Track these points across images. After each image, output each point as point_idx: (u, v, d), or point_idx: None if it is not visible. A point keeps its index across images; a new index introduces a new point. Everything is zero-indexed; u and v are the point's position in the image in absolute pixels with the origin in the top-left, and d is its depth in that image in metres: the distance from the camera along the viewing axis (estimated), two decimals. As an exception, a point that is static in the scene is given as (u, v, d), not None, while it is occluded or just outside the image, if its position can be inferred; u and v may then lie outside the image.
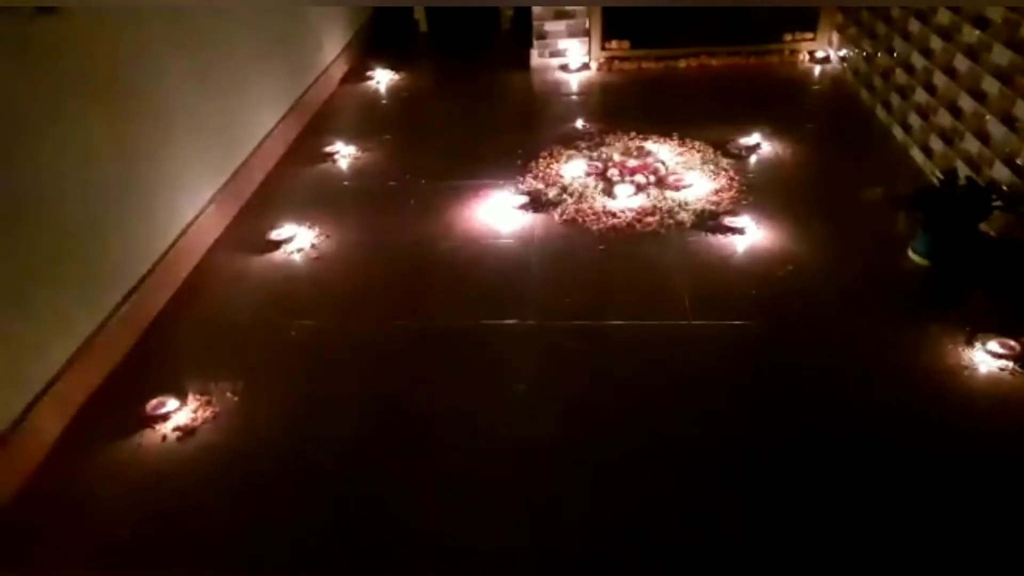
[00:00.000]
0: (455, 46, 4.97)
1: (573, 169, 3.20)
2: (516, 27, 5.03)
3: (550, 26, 4.29)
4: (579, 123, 3.62)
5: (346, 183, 3.26)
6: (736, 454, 1.85)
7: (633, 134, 3.47)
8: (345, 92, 4.23)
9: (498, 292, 2.48)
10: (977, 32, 2.61)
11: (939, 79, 2.89)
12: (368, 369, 2.20)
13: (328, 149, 3.49)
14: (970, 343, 2.09)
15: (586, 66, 4.35)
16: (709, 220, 2.78)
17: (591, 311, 2.36)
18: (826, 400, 1.99)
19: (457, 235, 2.81)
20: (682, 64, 4.27)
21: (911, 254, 2.46)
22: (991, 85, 2.52)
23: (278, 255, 2.72)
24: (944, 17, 2.87)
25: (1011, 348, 2.03)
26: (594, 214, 2.87)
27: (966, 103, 2.69)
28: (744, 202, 2.88)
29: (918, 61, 3.08)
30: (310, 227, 2.87)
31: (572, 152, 3.36)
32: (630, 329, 2.27)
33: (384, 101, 4.16)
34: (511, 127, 3.69)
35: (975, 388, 1.97)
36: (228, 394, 2.09)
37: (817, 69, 4.17)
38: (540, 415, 2.00)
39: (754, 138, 3.32)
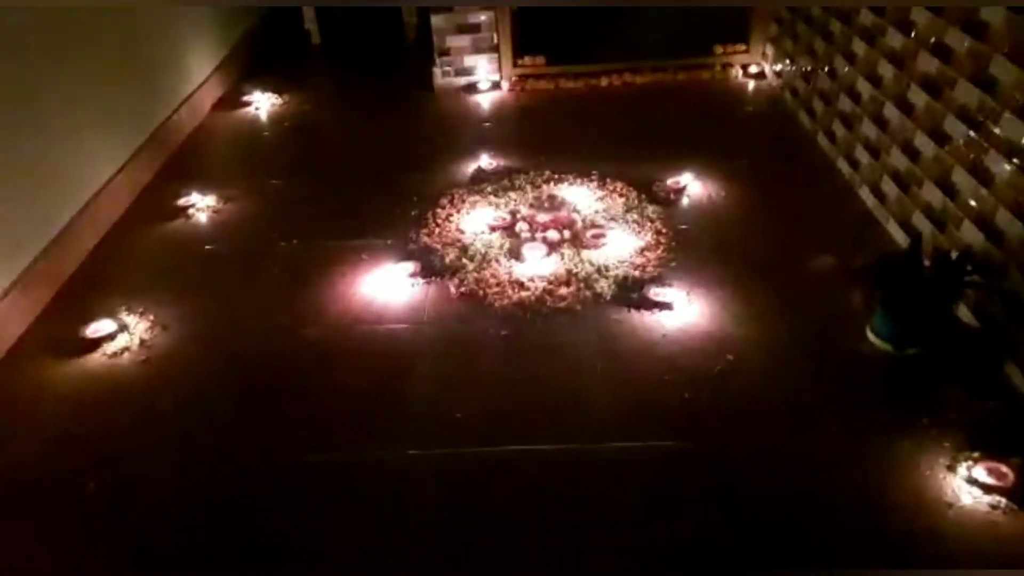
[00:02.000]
0: (351, 61, 4.39)
1: (476, 222, 2.70)
2: (423, 37, 4.48)
3: (453, 41, 3.76)
4: (485, 160, 3.12)
5: (203, 247, 2.67)
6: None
7: (547, 172, 2.99)
8: (216, 123, 3.62)
9: (375, 404, 1.97)
10: (937, 62, 2.22)
11: (891, 112, 2.49)
12: (201, 529, 1.66)
13: (183, 201, 2.90)
14: (952, 467, 1.69)
15: (497, 86, 3.84)
16: (632, 291, 2.32)
17: (491, 431, 1.86)
18: (784, 552, 1.55)
19: (330, 319, 2.27)
20: (604, 82, 3.80)
21: (870, 335, 2.05)
22: (954, 127, 2.13)
23: (94, 360, 2.14)
24: (895, 41, 2.47)
25: (1002, 476, 1.63)
26: (498, 285, 2.38)
27: (924, 144, 2.29)
28: (672, 264, 2.43)
29: (864, 88, 2.68)
30: (142, 315, 2.30)
31: (476, 198, 2.85)
32: (537, 458, 1.79)
33: (264, 133, 3.57)
34: (408, 165, 3.16)
35: (961, 534, 1.56)
36: (-15, 595, 1.53)
37: (751, 85, 3.76)
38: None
39: (683, 178, 2.88)
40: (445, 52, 3.80)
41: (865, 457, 1.74)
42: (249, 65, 4.18)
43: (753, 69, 3.80)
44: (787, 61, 3.50)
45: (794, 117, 3.34)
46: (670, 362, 2.05)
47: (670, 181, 2.87)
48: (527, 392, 1.98)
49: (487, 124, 3.54)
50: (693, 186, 2.86)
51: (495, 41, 3.76)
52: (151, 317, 2.29)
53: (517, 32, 3.77)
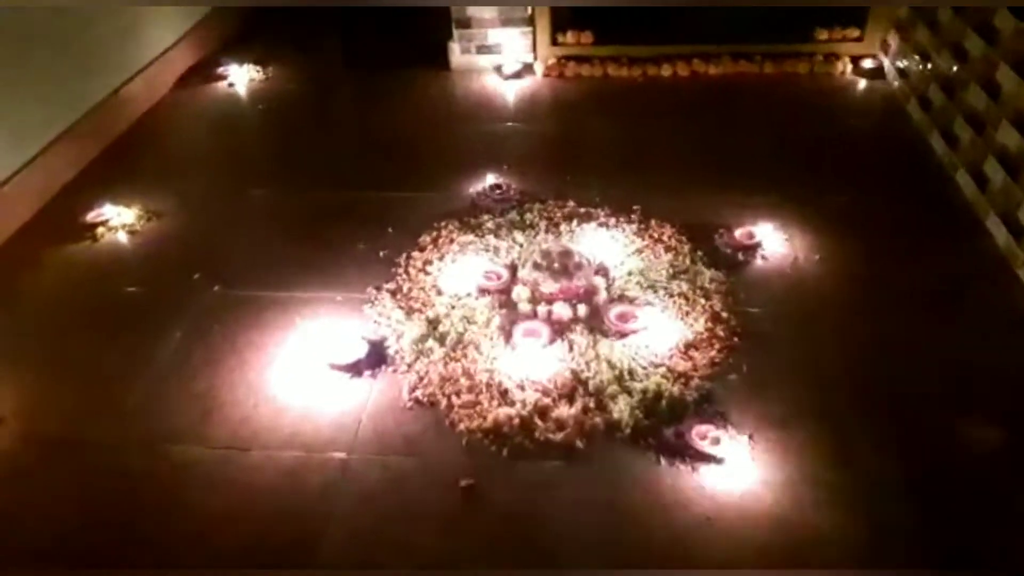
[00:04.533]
0: (359, 21, 3.59)
1: (459, 277, 1.96)
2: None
3: (475, 10, 2.95)
4: (493, 178, 2.35)
5: (93, 289, 2.00)
6: None
7: (571, 204, 2.21)
8: (177, 103, 2.93)
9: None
10: None
11: (1096, 168, 1.61)
12: None
13: (93, 215, 2.24)
14: None
15: (529, 69, 3.03)
16: (665, 422, 1.55)
17: None
18: None
19: (221, 430, 1.59)
20: (666, 71, 2.94)
21: (1052, 566, 1.24)
22: None
23: None
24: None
25: None
26: (471, 390, 1.64)
27: None
28: (732, 376, 1.64)
29: (1049, 120, 1.79)
30: (-22, 400, 1.67)
31: (470, 239, 2.10)
32: None
33: (231, 119, 2.87)
34: (395, 178, 2.42)
35: None
36: None
37: (862, 85, 2.84)
38: None
39: (760, 228, 2.06)
40: (465, 23, 2.99)
41: None
42: (236, 25, 3.46)
43: (867, 64, 2.87)
44: (917, 58, 2.57)
45: (923, 140, 2.44)
46: (713, 576, 1.29)
47: (739, 231, 2.05)
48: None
49: (508, 124, 2.74)
50: (772, 240, 2.04)
51: (529, 12, 2.93)
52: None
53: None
